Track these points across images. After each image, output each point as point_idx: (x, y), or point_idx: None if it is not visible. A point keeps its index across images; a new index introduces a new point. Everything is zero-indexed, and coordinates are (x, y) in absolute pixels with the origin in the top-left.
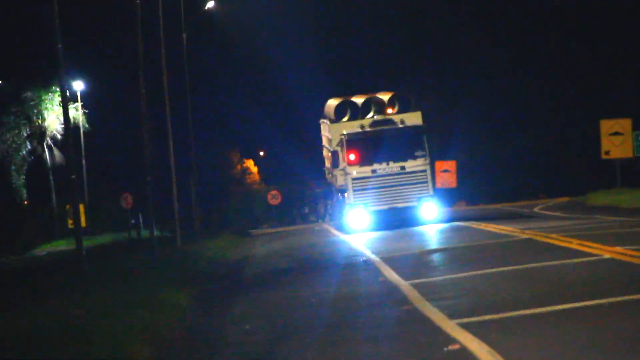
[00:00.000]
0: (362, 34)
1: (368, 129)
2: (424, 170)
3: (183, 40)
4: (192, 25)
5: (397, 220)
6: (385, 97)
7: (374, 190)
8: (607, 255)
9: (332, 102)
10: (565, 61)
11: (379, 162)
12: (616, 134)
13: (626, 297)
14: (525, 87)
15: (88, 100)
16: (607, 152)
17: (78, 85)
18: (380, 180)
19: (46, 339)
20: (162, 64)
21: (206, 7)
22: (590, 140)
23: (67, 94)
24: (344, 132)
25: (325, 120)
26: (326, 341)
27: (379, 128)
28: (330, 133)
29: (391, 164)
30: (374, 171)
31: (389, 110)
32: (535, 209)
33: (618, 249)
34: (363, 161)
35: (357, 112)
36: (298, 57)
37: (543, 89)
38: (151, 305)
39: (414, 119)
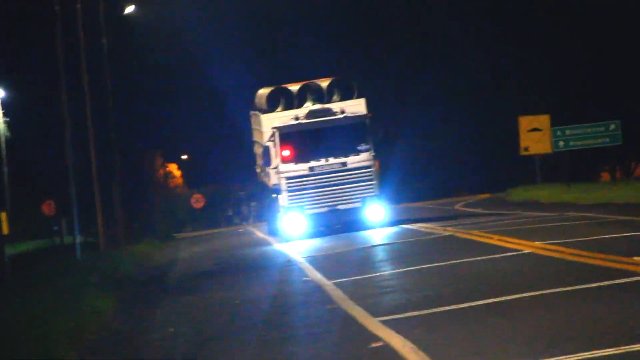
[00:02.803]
0: (297, 19)
1: (303, 121)
2: (369, 167)
3: (103, 47)
4: (112, 30)
5: (338, 223)
6: (324, 83)
7: (312, 191)
8: (527, 250)
9: (264, 91)
10: (486, 57)
11: (317, 158)
12: (535, 130)
13: (546, 291)
14: (448, 83)
15: (9, 108)
16: (526, 149)
17: None
18: (319, 179)
19: None
20: (81, 69)
21: (125, 12)
22: (510, 136)
23: None
24: (277, 125)
25: (256, 112)
26: (251, 342)
27: (316, 119)
28: (261, 126)
29: (331, 160)
30: (311, 169)
31: (329, 98)
32: (457, 206)
33: (538, 243)
34: (298, 158)
35: (292, 102)
36: (226, 51)
37: (463, 85)
38: (75, 310)
39: (356, 107)
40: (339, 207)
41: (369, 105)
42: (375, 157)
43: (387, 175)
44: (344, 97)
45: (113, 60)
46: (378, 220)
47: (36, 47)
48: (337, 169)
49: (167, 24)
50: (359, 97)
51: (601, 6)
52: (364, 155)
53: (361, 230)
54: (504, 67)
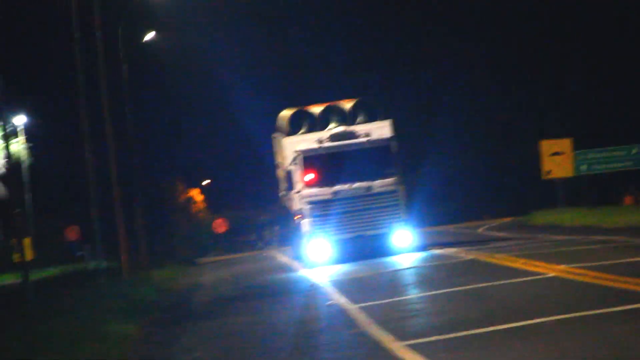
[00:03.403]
0: (321, 40)
1: (327, 144)
2: (395, 191)
3: (123, 73)
4: (132, 57)
5: (364, 249)
6: (347, 105)
7: (337, 217)
8: (551, 274)
9: (286, 113)
10: (509, 80)
11: (342, 182)
12: (556, 154)
13: (571, 315)
14: (470, 106)
15: (31, 134)
16: (548, 172)
17: (20, 120)
18: (344, 204)
19: None
20: (102, 98)
21: (144, 40)
22: (532, 159)
23: (8, 128)
24: (299, 148)
25: (278, 135)
26: None
27: (340, 142)
28: (283, 149)
29: (356, 184)
30: (335, 193)
31: (352, 120)
32: (479, 230)
33: (562, 267)
34: (322, 182)
35: (315, 124)
36: (248, 73)
37: (484, 109)
38: (99, 337)
39: (382, 129)
40: (365, 232)
41: (394, 127)
42: (401, 181)
43: (412, 199)
44: (369, 119)
45: (133, 86)
46: (405, 246)
47: (58, 74)
48: (362, 194)
49: (188, 48)
50: (384, 118)
51: (623, 30)
52: (390, 180)
53: (387, 255)
54: (526, 90)
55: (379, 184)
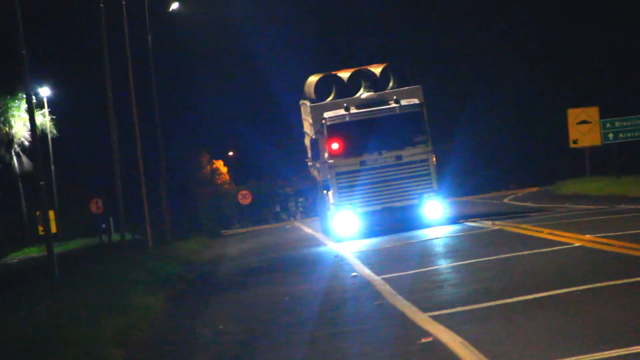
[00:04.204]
0: (350, 3)
1: (355, 111)
2: (426, 160)
3: (148, 43)
4: (156, 27)
5: (393, 222)
6: (377, 69)
7: (364, 187)
8: (577, 244)
9: (313, 79)
10: (535, 48)
11: (370, 151)
12: (583, 122)
13: (597, 284)
14: (496, 75)
15: (56, 106)
16: (575, 141)
17: (44, 92)
18: (372, 174)
19: (17, 349)
20: (128, 67)
21: (170, 9)
22: (559, 128)
23: (34, 100)
24: (325, 116)
25: (305, 102)
26: (300, 338)
27: (368, 109)
28: (310, 117)
29: (384, 153)
30: (363, 163)
31: (382, 86)
32: (506, 200)
33: (588, 236)
34: (349, 151)
35: (343, 90)
36: (275, 39)
37: (511, 77)
38: (124, 309)
39: (412, 95)
40: (394, 204)
41: (425, 93)
42: (432, 150)
43: (444, 169)
44: (399, 84)
45: (159, 57)
46: (436, 218)
47: (83, 45)
48: (391, 163)
49: (213, 14)
50: (414, 84)
51: None
52: (420, 148)
53: (417, 228)
54: (553, 59)
55: (409, 153)
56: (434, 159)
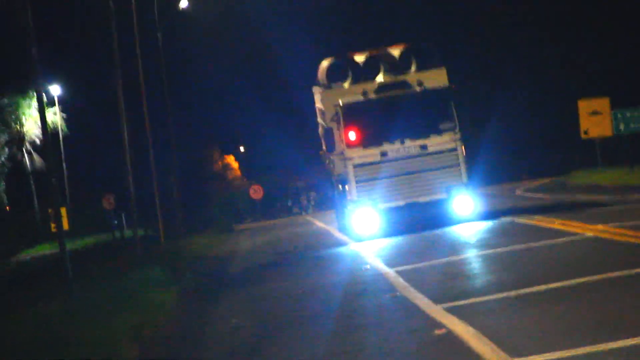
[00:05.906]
0: None
1: (373, 96)
2: (454, 149)
3: (158, 40)
4: (166, 24)
5: (419, 219)
6: (396, 51)
7: (386, 181)
8: (589, 234)
9: (326, 63)
10: (547, 39)
11: (391, 141)
12: (594, 113)
13: (609, 275)
14: (509, 65)
15: (66, 104)
16: (586, 132)
17: (55, 90)
18: (394, 166)
19: (32, 346)
20: (138, 64)
21: (180, 8)
22: (571, 120)
23: (45, 98)
24: (340, 102)
25: (318, 88)
26: (314, 332)
27: (388, 94)
28: (323, 104)
29: (408, 142)
30: (384, 154)
31: (403, 69)
32: (518, 191)
33: (600, 227)
34: (368, 141)
35: (360, 74)
36: (288, 23)
37: (523, 68)
38: (137, 304)
39: (437, 78)
40: (418, 199)
41: (450, 76)
42: (461, 138)
43: (474, 159)
44: (422, 67)
45: (169, 53)
46: (467, 214)
47: (93, 43)
48: (415, 154)
49: (223, 6)
50: (439, 66)
51: None
52: (447, 136)
53: (445, 226)
54: (565, 49)
55: (435, 142)
56: (463, 149)
